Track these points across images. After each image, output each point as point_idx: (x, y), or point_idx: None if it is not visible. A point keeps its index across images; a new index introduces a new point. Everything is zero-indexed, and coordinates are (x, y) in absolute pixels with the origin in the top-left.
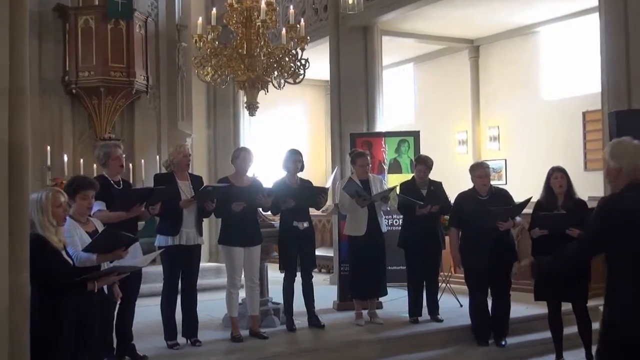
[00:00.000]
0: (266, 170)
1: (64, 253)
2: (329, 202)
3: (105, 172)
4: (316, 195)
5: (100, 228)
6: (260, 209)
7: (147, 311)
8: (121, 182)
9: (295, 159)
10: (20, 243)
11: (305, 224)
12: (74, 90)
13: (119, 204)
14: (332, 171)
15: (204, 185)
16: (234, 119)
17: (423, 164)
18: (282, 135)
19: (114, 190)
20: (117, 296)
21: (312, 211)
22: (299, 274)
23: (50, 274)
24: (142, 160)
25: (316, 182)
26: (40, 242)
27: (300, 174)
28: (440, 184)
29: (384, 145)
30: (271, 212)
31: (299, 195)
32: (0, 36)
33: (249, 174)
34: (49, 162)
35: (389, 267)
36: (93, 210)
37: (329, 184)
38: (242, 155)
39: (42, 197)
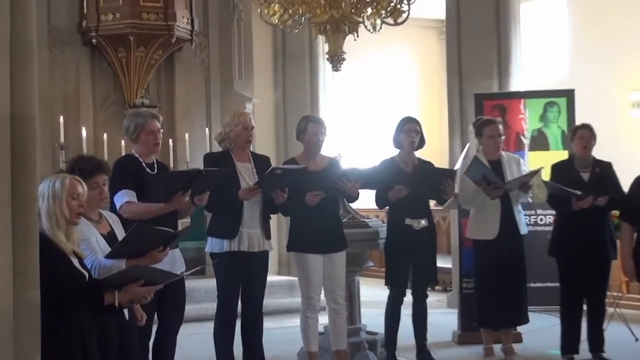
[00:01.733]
0: (355, 149)
1: (75, 261)
2: None
3: (135, 151)
4: (439, 181)
5: (118, 227)
6: (345, 200)
7: (195, 342)
8: (155, 165)
9: (410, 130)
10: (29, 248)
11: (423, 222)
12: (94, 40)
13: (154, 193)
14: (464, 148)
15: (272, 167)
16: (310, 77)
17: (587, 129)
18: (377, 98)
19: (147, 176)
20: (141, 318)
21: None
22: (408, 293)
23: (57, 286)
24: (186, 135)
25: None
26: (42, 246)
27: (419, 152)
28: (609, 164)
29: (523, 111)
30: (377, 204)
31: (416, 182)
32: None
33: (332, 153)
34: (62, 138)
35: (532, 284)
36: (118, 202)
37: (458, 166)
38: (311, 128)
39: (56, 185)
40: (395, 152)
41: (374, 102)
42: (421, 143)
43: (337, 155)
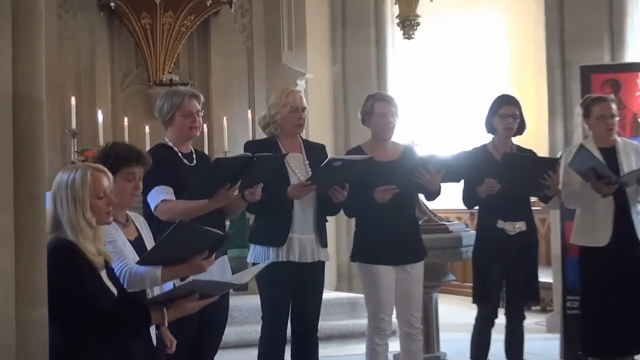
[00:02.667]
0: (431, 135)
1: (104, 274)
2: None
3: (169, 138)
4: (539, 172)
5: (147, 233)
6: (423, 197)
7: None
8: (194, 155)
9: (507, 113)
10: (34, 258)
11: (519, 226)
12: (112, 4)
13: (195, 188)
14: (564, 135)
15: (329, 158)
16: (376, 48)
17: None
18: (458, 73)
19: (185, 168)
20: (171, 344)
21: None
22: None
23: (86, 306)
24: (224, 119)
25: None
26: (71, 255)
27: (516, 139)
28: None
29: None
30: (465, 203)
31: (510, 174)
32: None
33: (402, 139)
34: (73, 124)
35: None
36: (153, 201)
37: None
38: (378, 108)
39: (76, 179)
40: (486, 139)
41: (454, 78)
42: (521, 128)
43: (410, 144)
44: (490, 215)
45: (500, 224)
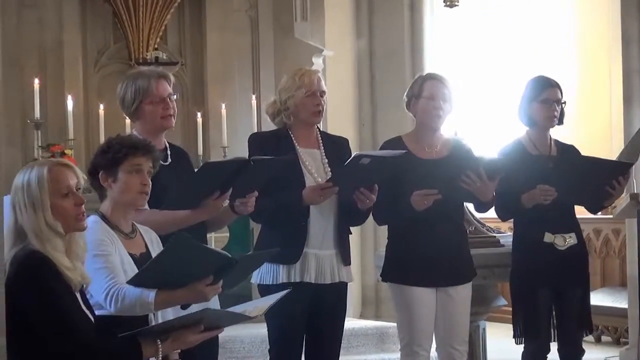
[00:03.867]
0: (478, 125)
1: (77, 297)
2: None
3: (138, 130)
4: (606, 179)
5: (158, 249)
6: (470, 207)
7: None
8: (169, 151)
9: (549, 98)
10: None
11: (570, 240)
12: None
13: (176, 196)
14: None
15: (354, 154)
16: (411, 18)
17: None
18: (511, 49)
19: (158, 169)
20: None
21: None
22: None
23: (63, 335)
24: (222, 106)
25: (593, 149)
26: (43, 270)
27: (557, 131)
28: None
29: None
30: (500, 214)
31: (562, 178)
32: None
33: (446, 132)
34: (37, 112)
35: None
36: None
37: (632, 156)
38: (429, 88)
39: (32, 177)
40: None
41: (507, 56)
42: (561, 117)
43: (455, 137)
44: (533, 227)
45: (549, 237)
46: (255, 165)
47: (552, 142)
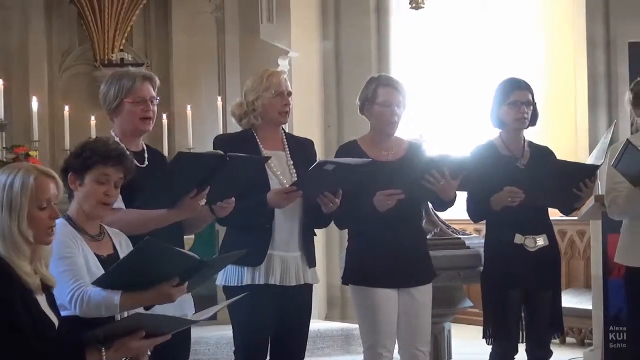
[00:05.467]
0: (443, 129)
1: (42, 300)
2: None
3: (117, 132)
4: (573, 182)
5: (125, 250)
6: (432, 206)
7: None
8: (146, 154)
9: (518, 100)
10: None
11: (541, 241)
12: None
13: (151, 194)
14: (609, 126)
15: (318, 161)
16: (377, 20)
17: None
18: (478, 52)
19: (136, 170)
20: None
21: (552, 214)
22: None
23: (13, 342)
24: (188, 107)
25: (559, 151)
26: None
27: (529, 132)
28: None
29: None
30: (472, 216)
31: (534, 180)
32: None
33: (405, 134)
34: (1, 114)
35: None
36: None
37: (596, 156)
38: (383, 95)
39: (16, 182)
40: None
41: (473, 59)
42: (534, 118)
43: (418, 139)
44: (504, 228)
45: (519, 239)
46: (232, 162)
47: (526, 144)
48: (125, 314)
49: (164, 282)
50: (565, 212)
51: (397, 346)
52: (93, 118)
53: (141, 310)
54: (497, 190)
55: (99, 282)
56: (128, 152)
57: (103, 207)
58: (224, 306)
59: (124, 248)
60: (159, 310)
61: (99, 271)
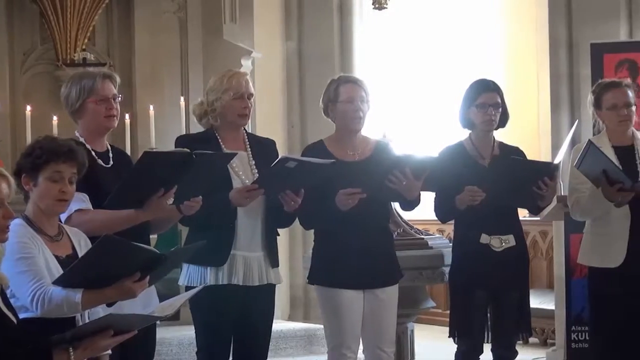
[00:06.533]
0: (407, 129)
1: None
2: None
3: (80, 133)
4: (533, 180)
5: (84, 250)
6: (397, 206)
7: None
8: (111, 153)
9: (486, 102)
10: None
11: (508, 241)
12: None
13: (117, 194)
14: (571, 128)
15: (280, 157)
16: (340, 21)
17: None
18: (441, 52)
19: (100, 170)
20: None
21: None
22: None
23: None
24: (151, 107)
25: (524, 151)
26: None
27: (499, 133)
28: None
29: None
30: (438, 215)
31: (498, 180)
32: None
33: (372, 134)
34: None
35: None
36: (68, 209)
37: (560, 157)
38: (345, 92)
39: None
40: (462, 134)
41: (436, 59)
42: (503, 119)
43: (382, 138)
44: (471, 228)
45: (485, 238)
46: (198, 160)
47: (496, 145)
48: (86, 314)
49: (125, 278)
50: (532, 211)
51: (361, 346)
52: (55, 118)
53: (107, 308)
54: (462, 190)
55: (59, 281)
56: (93, 152)
57: (60, 203)
58: (188, 297)
59: (83, 247)
60: (127, 306)
61: (58, 272)
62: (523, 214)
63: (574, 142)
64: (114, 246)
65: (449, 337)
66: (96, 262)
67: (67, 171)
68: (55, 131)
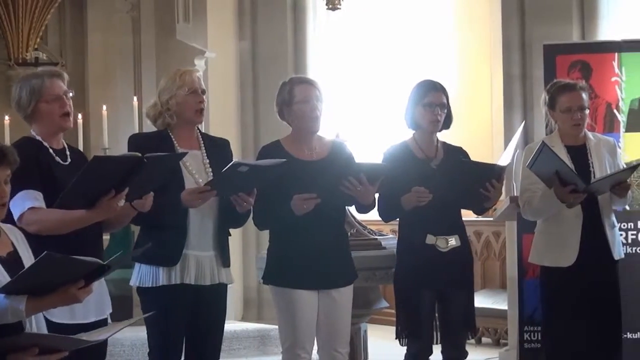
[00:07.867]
0: (360, 129)
1: None
2: (502, 196)
3: (35, 131)
4: (479, 182)
5: (23, 247)
6: (351, 209)
7: None
8: (68, 151)
9: (432, 102)
10: None
11: (453, 242)
12: None
13: (70, 195)
14: (518, 128)
15: (232, 162)
16: (294, 21)
17: None
18: (394, 52)
19: (57, 168)
20: None
21: (467, 215)
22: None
23: None
24: (103, 107)
25: (474, 152)
26: None
27: (443, 134)
28: None
29: (617, 71)
30: (382, 216)
31: (444, 181)
32: None
33: (326, 134)
34: None
35: (630, 336)
36: (18, 209)
37: (506, 159)
38: (300, 92)
39: None
40: (407, 134)
41: (390, 60)
42: (447, 122)
43: (336, 138)
44: (416, 228)
45: (431, 239)
46: (149, 163)
47: (439, 145)
48: (33, 319)
49: (69, 285)
50: (477, 212)
51: (315, 347)
52: (7, 117)
53: (36, 328)
54: (409, 191)
55: (3, 289)
56: (50, 150)
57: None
58: (119, 330)
59: (21, 243)
60: (79, 309)
61: (1, 273)
62: (471, 214)
63: (525, 142)
64: (53, 262)
65: (396, 338)
66: (39, 275)
67: (2, 174)
68: (7, 131)
